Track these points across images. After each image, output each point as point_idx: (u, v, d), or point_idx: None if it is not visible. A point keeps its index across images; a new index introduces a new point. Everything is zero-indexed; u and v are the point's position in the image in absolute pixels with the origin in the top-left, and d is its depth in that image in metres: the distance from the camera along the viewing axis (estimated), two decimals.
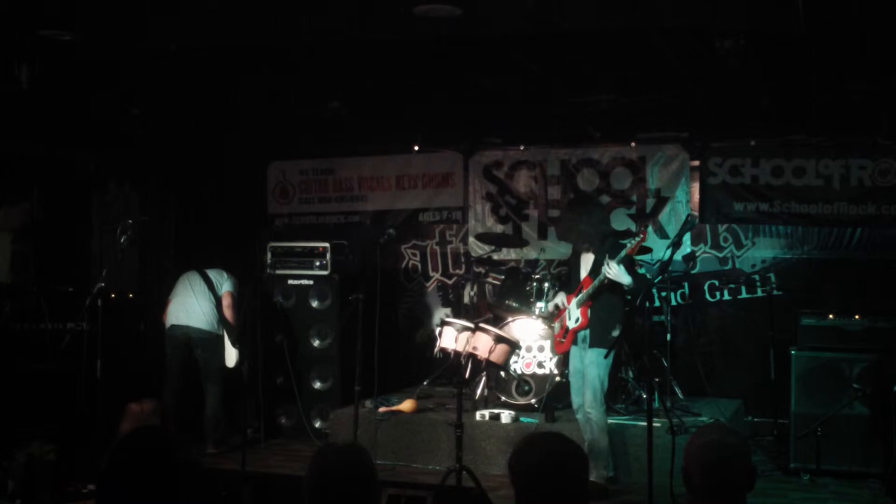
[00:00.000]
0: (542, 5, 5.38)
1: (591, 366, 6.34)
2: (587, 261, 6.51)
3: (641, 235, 6.20)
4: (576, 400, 6.53)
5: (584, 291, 6.38)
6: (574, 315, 6.45)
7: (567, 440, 3.04)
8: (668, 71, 6.94)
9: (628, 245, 6.16)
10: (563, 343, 6.55)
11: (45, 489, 5.59)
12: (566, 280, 6.88)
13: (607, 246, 6.38)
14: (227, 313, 7.81)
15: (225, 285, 7.89)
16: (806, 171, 8.21)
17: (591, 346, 6.34)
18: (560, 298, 6.64)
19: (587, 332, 6.40)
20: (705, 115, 8.18)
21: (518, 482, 2.80)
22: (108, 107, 7.96)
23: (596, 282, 6.30)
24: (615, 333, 6.36)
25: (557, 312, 6.66)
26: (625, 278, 6.19)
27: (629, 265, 6.29)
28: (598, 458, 6.24)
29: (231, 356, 7.76)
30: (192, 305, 7.73)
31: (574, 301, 6.46)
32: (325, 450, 2.88)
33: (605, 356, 6.25)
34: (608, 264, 6.18)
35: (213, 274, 7.89)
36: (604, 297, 6.34)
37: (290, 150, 9.71)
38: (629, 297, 6.54)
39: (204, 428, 7.69)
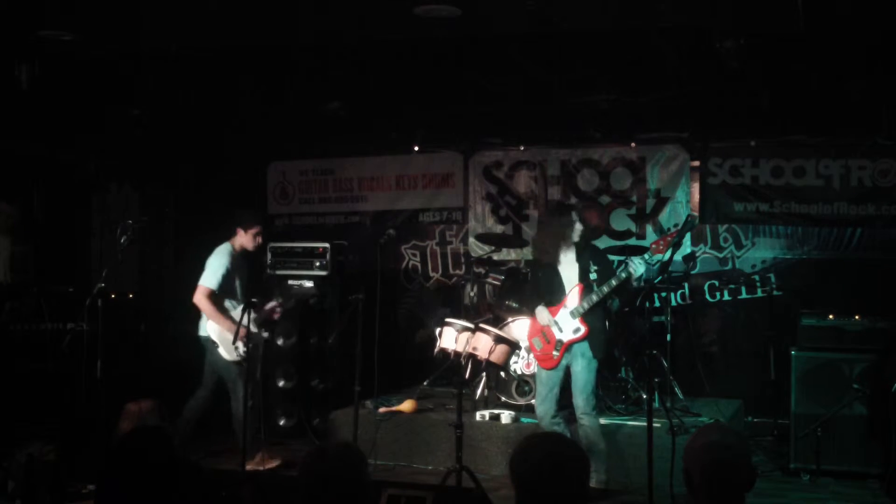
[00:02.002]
0: (542, 5, 5.38)
1: (582, 372, 6.25)
2: (568, 269, 6.36)
3: (674, 237, 6.21)
4: (540, 408, 6.39)
5: (585, 300, 6.22)
6: (571, 326, 6.27)
7: (568, 441, 3.05)
8: (668, 71, 6.95)
9: (652, 245, 6.19)
10: (557, 357, 6.32)
11: (45, 489, 5.58)
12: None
13: (588, 254, 6.32)
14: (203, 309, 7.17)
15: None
16: (806, 172, 8.21)
17: (596, 355, 6.26)
18: (545, 315, 6.37)
19: (585, 342, 6.26)
20: (705, 115, 8.19)
21: (518, 483, 2.80)
22: (108, 107, 7.97)
23: (605, 287, 6.16)
24: (604, 337, 6.39)
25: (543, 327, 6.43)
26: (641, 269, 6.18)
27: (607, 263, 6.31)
28: (596, 463, 6.21)
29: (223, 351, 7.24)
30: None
31: (567, 311, 6.29)
32: (317, 450, 2.88)
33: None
34: (632, 263, 6.07)
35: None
36: (598, 305, 6.30)
37: (290, 150, 9.71)
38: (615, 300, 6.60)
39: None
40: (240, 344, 6.89)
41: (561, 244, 6.34)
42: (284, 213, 9.90)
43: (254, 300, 6.87)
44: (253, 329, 6.99)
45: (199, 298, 7.00)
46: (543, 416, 6.40)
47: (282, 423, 8.30)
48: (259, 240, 7.28)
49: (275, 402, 8.33)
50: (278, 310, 7.35)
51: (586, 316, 6.26)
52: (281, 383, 8.27)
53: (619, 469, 6.59)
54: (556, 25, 5.84)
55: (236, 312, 7.02)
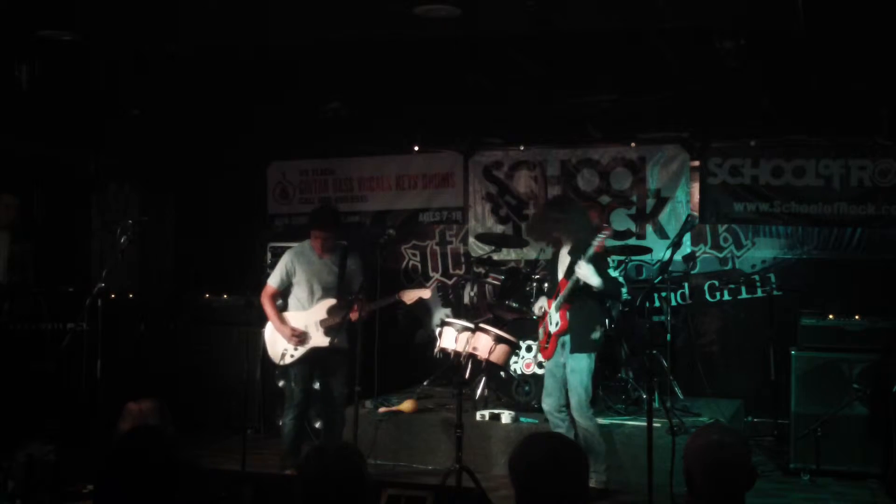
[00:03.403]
0: (542, 5, 5.38)
1: (573, 373, 6.23)
2: (563, 262, 6.39)
3: (606, 232, 6.06)
4: (547, 402, 6.40)
5: (561, 294, 6.26)
6: (554, 319, 6.31)
7: (567, 440, 3.05)
8: (668, 71, 6.95)
9: (594, 242, 6.03)
10: (548, 349, 6.38)
11: (45, 489, 5.57)
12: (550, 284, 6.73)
13: (581, 250, 6.28)
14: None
15: None
16: (806, 172, 8.21)
17: (573, 351, 6.23)
18: (542, 303, 6.51)
19: (567, 336, 6.27)
20: (705, 115, 8.18)
21: (518, 482, 2.80)
22: (108, 107, 7.96)
23: (570, 284, 6.16)
24: (595, 336, 6.26)
25: (542, 317, 6.50)
26: (594, 279, 6.06)
27: (599, 265, 6.13)
28: (595, 463, 6.21)
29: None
30: None
31: (553, 304, 6.34)
32: (315, 450, 2.88)
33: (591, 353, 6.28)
34: (578, 264, 6.07)
35: None
36: (581, 299, 6.24)
37: (290, 150, 9.71)
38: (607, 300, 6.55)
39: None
40: (289, 347, 6.70)
41: (568, 231, 6.33)
42: (284, 213, 9.89)
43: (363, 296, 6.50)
44: (315, 333, 6.71)
45: (261, 296, 6.77)
46: (550, 410, 6.40)
47: (282, 423, 8.29)
48: (316, 244, 6.75)
49: (275, 402, 8.33)
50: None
51: (567, 310, 6.26)
52: (280, 384, 8.26)
53: (619, 469, 6.60)
54: (556, 25, 5.84)
55: (296, 315, 6.76)
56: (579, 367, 6.23)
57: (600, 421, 6.60)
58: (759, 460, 7.16)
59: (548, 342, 6.40)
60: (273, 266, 8.43)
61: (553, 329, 6.33)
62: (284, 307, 6.84)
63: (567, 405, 6.38)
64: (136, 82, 7.36)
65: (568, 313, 6.26)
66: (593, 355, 6.27)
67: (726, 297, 8.63)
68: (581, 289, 6.18)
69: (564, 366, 6.33)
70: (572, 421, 6.38)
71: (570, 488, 2.79)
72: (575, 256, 6.24)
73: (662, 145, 8.73)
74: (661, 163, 8.72)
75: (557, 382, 6.36)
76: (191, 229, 9.99)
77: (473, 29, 5.92)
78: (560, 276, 6.39)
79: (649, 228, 8.73)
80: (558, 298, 6.31)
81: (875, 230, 8.08)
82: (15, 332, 7.18)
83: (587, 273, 6.06)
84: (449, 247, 9.56)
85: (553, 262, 6.54)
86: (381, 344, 7.17)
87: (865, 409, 6.72)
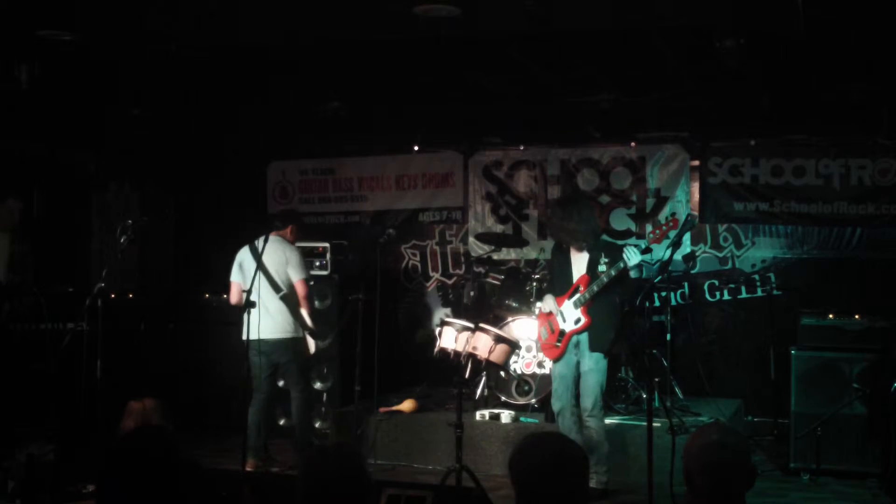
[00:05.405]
0: (542, 5, 5.38)
1: (591, 372, 6.23)
2: (579, 259, 6.37)
3: (671, 228, 6.23)
4: (557, 404, 6.36)
5: (587, 290, 6.22)
6: (573, 316, 6.27)
7: (568, 440, 3.05)
8: (668, 71, 6.95)
9: (650, 235, 6.26)
10: (559, 347, 6.32)
11: (45, 489, 5.58)
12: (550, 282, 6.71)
13: (601, 246, 6.31)
14: (304, 304, 7.10)
15: (292, 273, 7.02)
16: (806, 171, 8.22)
17: (592, 349, 6.22)
18: (550, 302, 6.43)
19: (583, 335, 6.25)
20: (705, 115, 8.19)
21: (518, 482, 2.80)
22: (108, 107, 7.96)
23: (604, 277, 6.13)
24: (611, 336, 6.26)
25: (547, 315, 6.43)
26: (636, 259, 6.15)
27: (616, 255, 6.23)
28: (598, 464, 6.21)
29: (311, 344, 7.30)
30: (264, 317, 6.87)
31: (571, 301, 6.29)
32: (317, 450, 2.89)
33: (606, 356, 6.25)
34: (628, 254, 6.04)
35: (272, 260, 6.97)
36: (603, 297, 6.24)
37: (290, 150, 9.72)
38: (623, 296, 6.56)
39: (294, 436, 7.34)
40: (312, 341, 7.18)
41: (572, 231, 6.31)
42: None
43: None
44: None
45: (307, 294, 7.11)
46: (562, 412, 6.35)
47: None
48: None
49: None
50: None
51: (589, 307, 6.25)
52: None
53: (619, 469, 6.60)
54: (556, 25, 5.84)
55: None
56: (598, 366, 6.23)
57: None
58: (759, 460, 7.17)
59: (558, 340, 6.32)
60: None
61: (571, 326, 6.27)
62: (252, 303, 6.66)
63: (577, 405, 6.38)
64: (136, 82, 7.36)
65: (589, 310, 6.25)
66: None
67: (726, 296, 8.64)
68: (613, 283, 6.17)
69: (577, 365, 6.31)
70: (580, 421, 6.36)
71: (570, 488, 2.79)
72: (596, 253, 6.24)
73: (662, 145, 8.73)
74: (661, 162, 8.72)
75: (568, 383, 6.33)
76: (191, 229, 9.99)
77: (473, 29, 5.92)
78: (576, 272, 6.35)
79: (649, 228, 8.72)
80: (580, 295, 6.25)
81: (875, 230, 8.09)
82: (15, 332, 7.18)
83: (633, 258, 6.10)
84: (449, 246, 9.57)
85: (563, 259, 6.44)
86: (381, 344, 7.17)
87: (865, 408, 6.73)
